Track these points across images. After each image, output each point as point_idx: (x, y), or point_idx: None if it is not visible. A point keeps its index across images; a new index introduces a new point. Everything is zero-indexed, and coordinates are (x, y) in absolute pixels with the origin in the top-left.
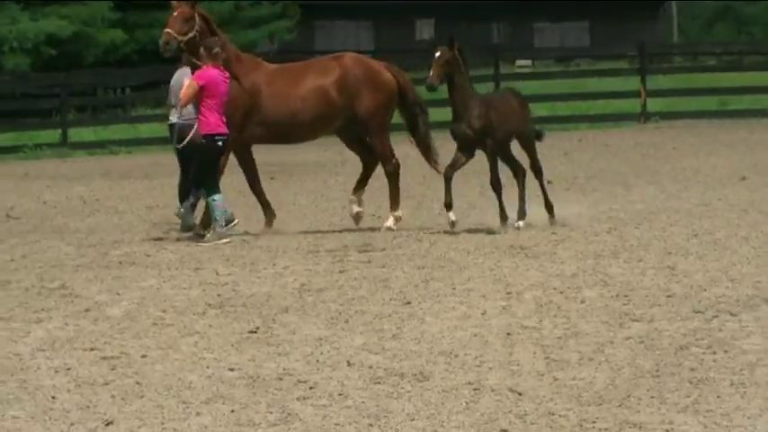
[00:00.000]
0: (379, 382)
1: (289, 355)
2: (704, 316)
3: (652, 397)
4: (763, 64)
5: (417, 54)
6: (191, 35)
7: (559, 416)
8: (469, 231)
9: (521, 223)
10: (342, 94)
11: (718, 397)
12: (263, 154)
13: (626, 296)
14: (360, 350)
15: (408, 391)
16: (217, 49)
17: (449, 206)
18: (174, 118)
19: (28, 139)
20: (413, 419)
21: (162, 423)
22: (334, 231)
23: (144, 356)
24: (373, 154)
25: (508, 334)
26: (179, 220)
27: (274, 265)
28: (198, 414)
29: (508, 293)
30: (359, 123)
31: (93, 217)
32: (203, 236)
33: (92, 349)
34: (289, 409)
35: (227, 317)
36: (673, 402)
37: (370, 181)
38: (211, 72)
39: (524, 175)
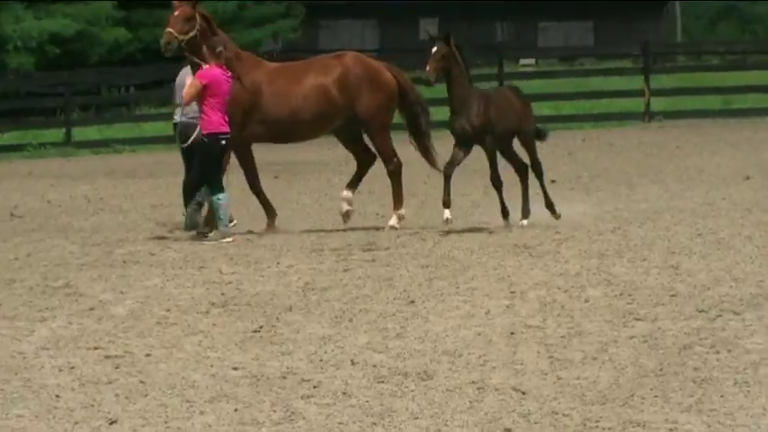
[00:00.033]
0: (382, 381)
1: (292, 353)
2: (708, 315)
3: (656, 396)
4: (766, 63)
5: (421, 53)
6: (192, 34)
7: (563, 415)
8: (473, 230)
9: (525, 222)
10: (343, 93)
11: (721, 396)
12: (267, 153)
13: (630, 295)
14: (364, 349)
15: (412, 390)
16: (220, 49)
17: (446, 204)
18: (177, 117)
19: (32, 138)
20: (416, 418)
21: (166, 422)
22: (338, 230)
23: (148, 355)
24: (369, 154)
25: (512, 333)
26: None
27: (278, 263)
28: (202, 413)
29: (512, 292)
30: (359, 123)
31: (98, 216)
32: (207, 235)
33: (96, 348)
34: (292, 407)
35: (230, 316)
36: (676, 402)
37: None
38: (214, 71)
39: (527, 173)
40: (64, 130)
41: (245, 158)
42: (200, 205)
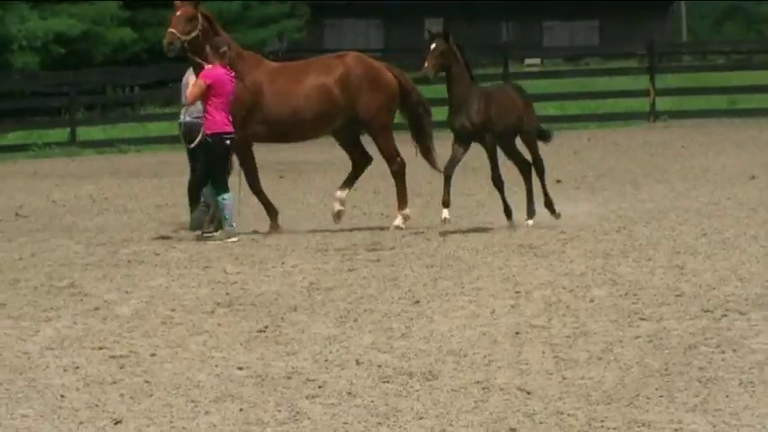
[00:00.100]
0: (387, 381)
1: (297, 353)
2: (713, 315)
3: (661, 396)
4: None
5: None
6: (194, 34)
7: (568, 415)
8: (478, 230)
9: (530, 222)
10: (344, 93)
11: (726, 396)
12: (272, 153)
13: (635, 295)
14: (368, 349)
15: (417, 390)
16: (224, 48)
17: (446, 204)
18: (184, 117)
19: (37, 138)
20: (421, 418)
21: (171, 422)
22: (343, 230)
23: (153, 355)
24: (365, 156)
25: (517, 333)
26: (189, 219)
27: (283, 263)
28: (207, 413)
29: (517, 292)
30: (360, 123)
31: (102, 215)
32: (213, 234)
33: (101, 348)
34: (297, 407)
35: (235, 316)
36: (681, 401)
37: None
38: (218, 71)
39: (530, 171)
40: (69, 129)
41: (245, 158)
42: (209, 207)
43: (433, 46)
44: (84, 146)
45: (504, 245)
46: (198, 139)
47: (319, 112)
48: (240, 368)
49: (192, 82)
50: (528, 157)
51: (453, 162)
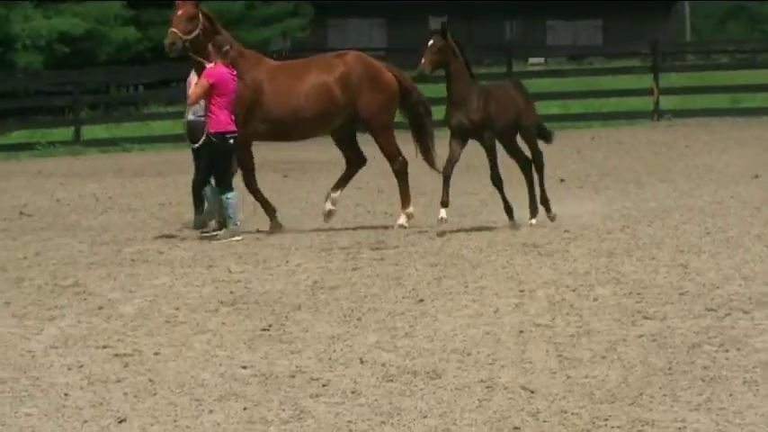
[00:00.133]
0: (391, 380)
1: (301, 352)
2: (717, 314)
3: (664, 395)
4: None
5: None
6: (195, 34)
7: (572, 414)
8: (481, 229)
9: (534, 220)
10: (344, 92)
11: (730, 395)
12: (276, 152)
13: (639, 294)
14: (372, 348)
15: (421, 389)
16: (227, 47)
17: (445, 204)
18: (189, 115)
19: (41, 137)
20: (425, 417)
21: (175, 420)
22: (347, 229)
23: (157, 354)
24: (360, 157)
25: (521, 332)
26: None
27: (287, 262)
28: (210, 412)
29: (521, 291)
30: (360, 122)
31: (106, 214)
32: (216, 234)
33: (104, 347)
34: (301, 406)
35: (239, 314)
36: (685, 400)
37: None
38: (221, 70)
39: (531, 169)
40: (73, 128)
41: (244, 157)
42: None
43: (430, 42)
44: (88, 145)
45: (507, 244)
46: (203, 140)
47: (319, 111)
48: (244, 367)
49: (194, 81)
50: (528, 154)
51: (451, 162)
